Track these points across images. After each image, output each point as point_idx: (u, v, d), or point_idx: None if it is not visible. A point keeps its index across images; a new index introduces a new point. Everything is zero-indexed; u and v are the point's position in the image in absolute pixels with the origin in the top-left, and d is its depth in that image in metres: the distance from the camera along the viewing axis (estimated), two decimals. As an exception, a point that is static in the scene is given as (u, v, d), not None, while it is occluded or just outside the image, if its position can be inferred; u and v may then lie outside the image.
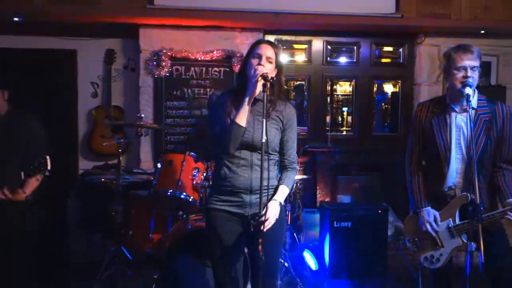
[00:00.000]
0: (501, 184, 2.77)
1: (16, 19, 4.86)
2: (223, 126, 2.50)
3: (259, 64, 2.49)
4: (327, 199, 5.22)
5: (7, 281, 3.26)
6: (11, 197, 3.07)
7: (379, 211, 4.56)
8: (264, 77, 2.41)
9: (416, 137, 2.95)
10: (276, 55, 2.56)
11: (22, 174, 3.01)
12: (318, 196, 5.28)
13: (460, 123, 2.79)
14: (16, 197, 3.09)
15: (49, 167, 2.99)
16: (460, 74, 2.71)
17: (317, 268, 4.47)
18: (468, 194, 2.67)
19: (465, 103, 2.71)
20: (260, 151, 2.37)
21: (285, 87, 5.83)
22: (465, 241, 2.72)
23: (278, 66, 2.58)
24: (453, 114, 2.81)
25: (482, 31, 5.28)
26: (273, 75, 2.52)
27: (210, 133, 2.61)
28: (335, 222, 4.47)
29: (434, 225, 2.80)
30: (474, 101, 2.75)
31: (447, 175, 2.80)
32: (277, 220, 2.48)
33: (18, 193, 3.09)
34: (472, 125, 2.65)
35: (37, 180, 3.11)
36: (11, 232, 3.24)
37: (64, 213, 5.13)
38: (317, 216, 4.94)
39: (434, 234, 2.82)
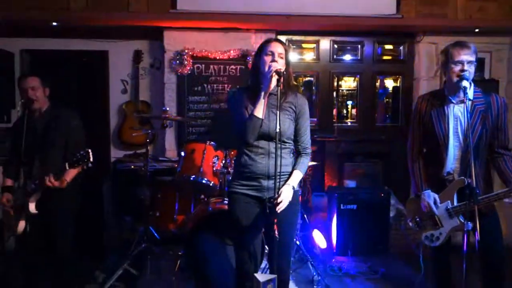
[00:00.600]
0: (503, 168, 2.73)
1: (54, 24, 4.88)
2: (242, 119, 2.49)
3: (273, 61, 2.47)
4: (334, 184, 5.18)
5: (54, 255, 3.31)
6: (57, 184, 3.10)
7: (382, 195, 4.53)
8: (278, 72, 2.40)
9: (417, 127, 2.91)
10: (286, 51, 2.54)
11: (67, 164, 3.03)
12: (326, 181, 5.25)
13: (457, 113, 2.75)
14: (60, 184, 3.12)
15: (91, 159, 3.01)
16: (457, 68, 2.67)
17: (325, 246, 4.45)
18: (465, 178, 2.64)
19: (462, 95, 2.67)
20: (277, 141, 2.35)
21: (295, 83, 5.82)
22: (462, 221, 2.69)
23: (287, 61, 2.55)
24: (451, 105, 2.76)
25: (477, 30, 5.18)
26: (284, 68, 2.50)
27: (231, 126, 2.60)
28: (341, 205, 4.46)
29: (433, 206, 2.77)
30: (470, 93, 2.70)
31: (446, 161, 2.77)
32: (290, 202, 2.46)
33: (62, 181, 3.12)
34: (468, 115, 2.61)
35: (78, 169, 3.12)
36: (55, 213, 3.28)
37: (100, 197, 5.18)
38: (325, 199, 4.92)
39: (434, 210, 2.78)
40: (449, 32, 5.24)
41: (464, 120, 2.69)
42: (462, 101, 2.69)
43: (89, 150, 2.99)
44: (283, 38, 5.36)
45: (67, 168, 3.04)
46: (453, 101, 2.75)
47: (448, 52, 2.72)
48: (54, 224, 3.29)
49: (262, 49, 2.54)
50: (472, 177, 2.40)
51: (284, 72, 2.45)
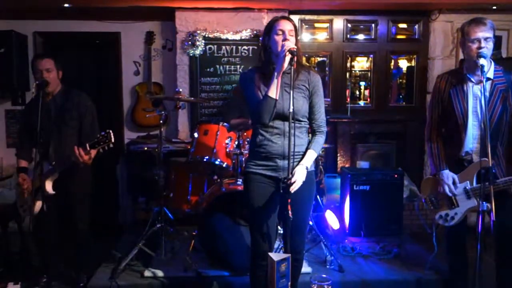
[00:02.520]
0: None
1: (66, 5, 4.86)
2: (256, 100, 2.47)
3: (285, 39, 2.43)
4: (347, 165, 5.16)
5: (71, 234, 3.40)
6: (86, 158, 3.12)
7: (395, 175, 4.50)
8: (292, 51, 2.37)
9: (436, 106, 2.87)
10: (295, 27, 2.51)
11: (88, 145, 3.05)
12: (339, 162, 5.23)
13: (477, 92, 2.70)
14: (88, 160, 3.15)
15: (113, 140, 3.02)
16: (474, 46, 2.62)
17: (338, 227, 4.46)
18: (486, 159, 2.59)
19: (480, 73, 2.61)
20: (291, 120, 2.33)
21: (307, 64, 5.79)
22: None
23: (296, 38, 2.52)
24: (470, 84, 2.72)
25: (494, 7, 5.04)
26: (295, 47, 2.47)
27: (244, 108, 2.59)
28: (354, 186, 4.44)
29: (452, 186, 2.75)
30: (490, 72, 2.65)
31: (465, 141, 2.73)
32: (305, 182, 2.45)
33: (90, 158, 3.16)
34: (485, 94, 2.55)
35: (98, 150, 3.13)
36: (72, 193, 3.34)
37: (114, 178, 5.23)
38: (338, 180, 4.91)
39: (451, 194, 2.77)
40: (465, 9, 5.12)
41: (483, 99, 2.64)
42: (482, 81, 2.64)
43: (110, 131, 3.01)
44: (295, 17, 5.29)
45: (88, 148, 3.06)
46: (472, 79, 2.70)
47: (464, 30, 2.67)
48: (71, 204, 3.35)
49: (271, 29, 2.50)
50: (488, 157, 2.36)
51: (296, 50, 2.42)
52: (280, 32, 2.46)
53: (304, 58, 5.48)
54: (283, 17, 2.54)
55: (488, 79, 2.66)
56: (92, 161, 3.23)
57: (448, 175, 2.77)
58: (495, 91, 2.65)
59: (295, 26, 2.51)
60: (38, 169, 3.22)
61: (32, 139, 3.28)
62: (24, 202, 3.39)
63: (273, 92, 2.42)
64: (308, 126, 2.61)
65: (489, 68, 2.66)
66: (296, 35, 2.51)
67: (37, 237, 3.45)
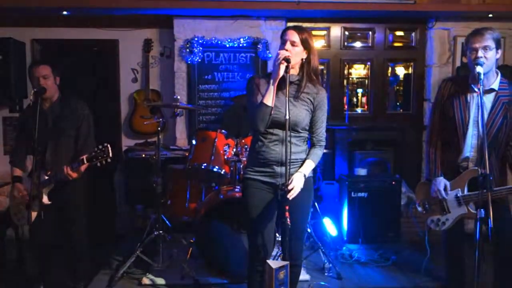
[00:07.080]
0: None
1: (65, 13, 4.88)
2: (254, 106, 2.48)
3: (282, 48, 2.45)
4: (345, 172, 5.17)
5: (68, 243, 3.38)
6: (74, 176, 3.11)
7: (393, 183, 4.53)
8: (286, 59, 2.38)
9: (438, 111, 2.89)
10: (302, 38, 2.48)
11: (85, 158, 3.04)
12: (336, 169, 5.24)
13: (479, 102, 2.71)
14: (78, 175, 3.14)
15: (111, 155, 3.00)
16: (472, 55, 2.65)
17: (336, 234, 4.46)
18: (478, 168, 2.62)
19: (486, 84, 2.64)
20: (291, 129, 2.36)
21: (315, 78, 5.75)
22: (472, 210, 2.69)
23: (307, 49, 2.50)
24: (474, 94, 2.73)
25: (490, 15, 5.08)
26: (304, 56, 2.49)
27: (242, 115, 2.61)
28: (352, 193, 4.47)
29: (443, 193, 2.77)
30: (496, 83, 2.69)
31: (463, 149, 2.76)
32: (303, 189, 2.46)
33: (78, 172, 3.13)
34: (483, 103, 2.56)
35: (96, 163, 3.11)
36: (69, 202, 3.32)
37: (111, 186, 5.22)
38: (336, 187, 4.92)
39: (442, 199, 2.79)
40: (462, 17, 5.17)
41: (486, 109, 2.67)
42: (487, 91, 2.67)
43: (108, 145, 2.99)
44: (293, 25, 5.31)
45: (85, 162, 3.05)
46: (475, 89, 2.72)
47: (466, 40, 2.72)
48: (68, 211, 3.33)
49: (280, 38, 2.53)
50: (486, 166, 2.37)
51: (303, 59, 2.48)
52: (283, 42, 2.49)
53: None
54: (293, 27, 2.53)
55: (492, 90, 2.69)
56: (86, 170, 3.21)
57: (440, 181, 2.80)
58: (498, 102, 2.68)
59: (303, 38, 2.48)
60: (35, 177, 3.20)
61: (29, 147, 3.27)
62: (18, 210, 3.37)
63: (269, 99, 2.42)
64: (307, 136, 2.62)
65: (495, 80, 2.69)
66: (306, 47, 2.49)
67: (34, 245, 3.43)
